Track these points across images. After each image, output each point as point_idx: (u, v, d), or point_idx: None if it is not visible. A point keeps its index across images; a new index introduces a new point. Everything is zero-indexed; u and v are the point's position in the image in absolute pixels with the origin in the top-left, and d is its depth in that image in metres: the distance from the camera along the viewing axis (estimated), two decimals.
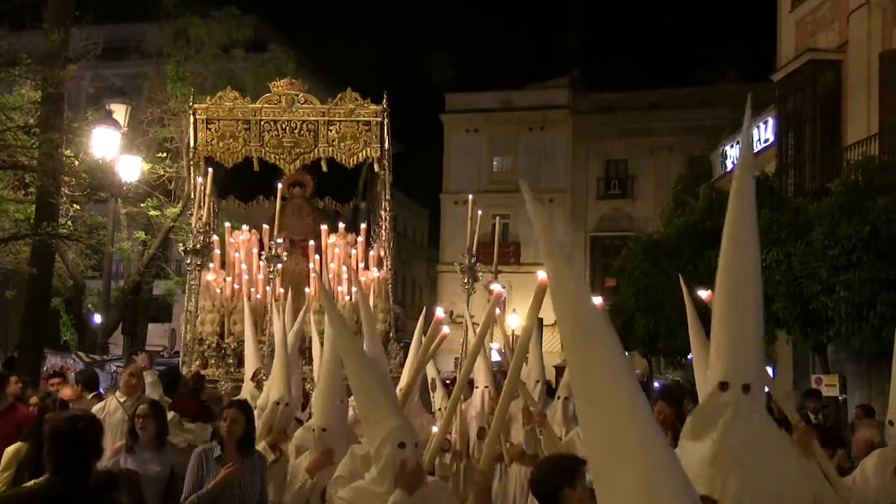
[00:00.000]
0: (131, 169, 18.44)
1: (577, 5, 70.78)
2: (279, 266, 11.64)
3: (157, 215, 22.89)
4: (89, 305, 24.14)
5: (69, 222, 20.12)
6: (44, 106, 18.79)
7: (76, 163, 19.15)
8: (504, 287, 11.92)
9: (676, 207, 26.78)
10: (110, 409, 8.01)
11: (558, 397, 8.08)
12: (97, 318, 23.31)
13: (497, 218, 13.67)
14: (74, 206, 20.33)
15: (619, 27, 66.45)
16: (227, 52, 24.01)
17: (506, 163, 46.14)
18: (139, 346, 26.57)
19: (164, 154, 22.35)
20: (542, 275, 4.12)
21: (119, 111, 18.93)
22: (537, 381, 8.49)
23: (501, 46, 61.51)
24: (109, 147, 17.64)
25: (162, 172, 22.10)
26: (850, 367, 18.44)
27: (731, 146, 29.40)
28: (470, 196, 13.18)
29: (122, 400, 7.99)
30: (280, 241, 11.53)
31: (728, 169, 29.08)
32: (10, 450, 5.78)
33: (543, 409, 7.71)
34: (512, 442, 7.92)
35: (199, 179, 12.66)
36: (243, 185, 14.39)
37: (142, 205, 22.00)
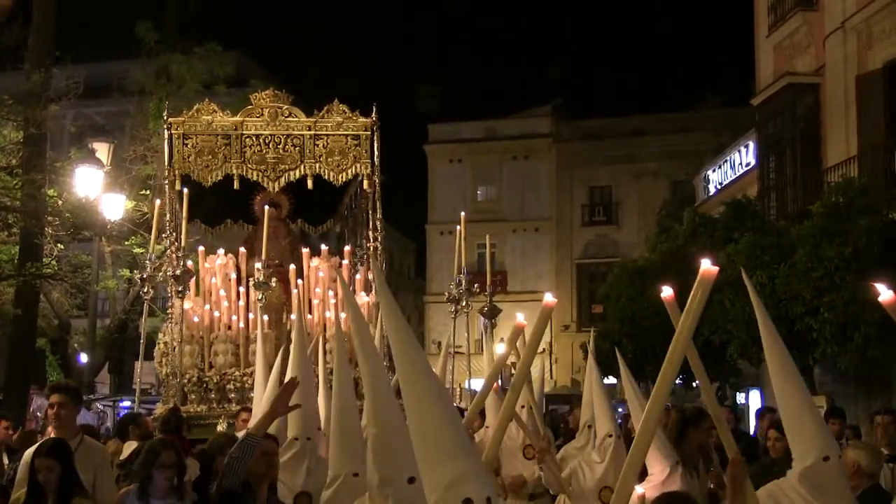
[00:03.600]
0: (115, 207, 18.35)
1: (559, 34, 71.27)
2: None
3: (141, 253, 22.83)
4: (75, 345, 24.03)
5: (53, 262, 20.03)
6: (26, 146, 18.75)
7: (60, 202, 19.08)
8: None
9: (661, 233, 26.87)
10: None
11: (588, 426, 7.67)
12: (83, 358, 23.19)
13: (489, 242, 13.56)
14: (58, 245, 20.24)
15: (601, 55, 66.85)
16: (209, 88, 24.03)
17: (490, 192, 46.28)
18: (126, 384, 26.45)
19: (148, 191, 22.32)
20: (549, 297, 4.45)
21: (102, 149, 18.86)
22: (523, 407, 8.42)
23: (484, 76, 61.84)
24: (92, 186, 17.54)
25: (146, 210, 22.07)
26: (837, 388, 18.48)
27: (714, 170, 29.59)
28: (462, 213, 12.93)
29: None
30: (260, 266, 10.81)
31: (711, 193, 29.25)
32: (13, 498, 5.91)
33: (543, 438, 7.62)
34: (503, 478, 7.82)
35: (158, 202, 12.16)
36: (210, 207, 13.41)
37: (126, 243, 21.94)
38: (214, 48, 23.98)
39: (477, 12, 72.69)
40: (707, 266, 3.68)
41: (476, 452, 3.38)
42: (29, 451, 6.24)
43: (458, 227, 12.23)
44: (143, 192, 22.29)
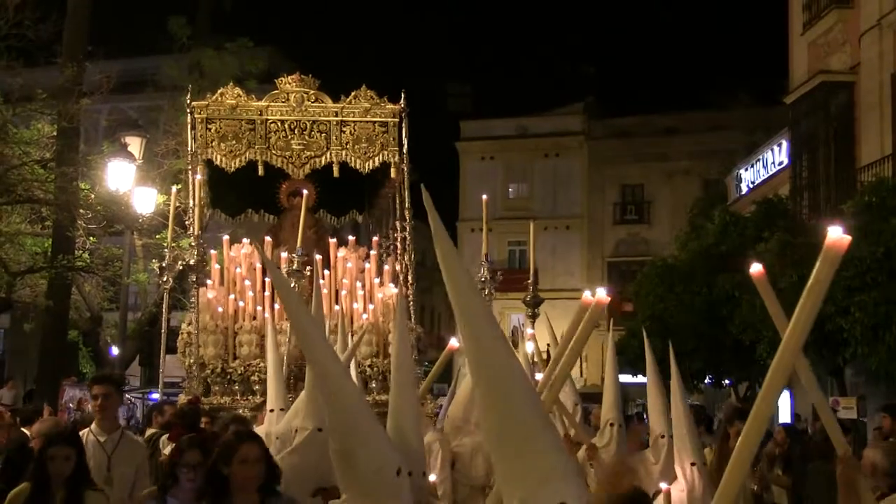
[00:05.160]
0: (146, 201, 18.41)
1: (592, 32, 71.02)
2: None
3: (174, 247, 22.96)
4: (107, 337, 24.22)
5: (85, 255, 20.24)
6: (59, 140, 19.00)
7: (92, 196, 19.28)
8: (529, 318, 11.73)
9: (692, 231, 26.73)
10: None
11: (610, 424, 7.68)
12: (115, 350, 23.38)
13: (530, 234, 13.15)
14: (90, 238, 20.43)
15: (633, 53, 66.61)
16: (240, 84, 24.11)
17: (522, 189, 46.19)
18: (157, 376, 26.64)
19: (179, 185, 22.45)
20: (587, 294, 3.81)
21: (134, 144, 18.98)
22: (575, 405, 8.37)
23: (516, 74, 61.75)
24: (124, 179, 17.65)
25: (177, 204, 22.19)
26: (869, 389, 18.30)
27: (746, 169, 29.36)
28: (484, 197, 12.52)
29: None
30: (292, 255, 10.38)
31: (743, 192, 29.04)
32: (14, 491, 5.58)
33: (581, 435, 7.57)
34: None
35: (174, 189, 11.90)
36: (232, 196, 12.96)
37: (157, 236, 22.09)
38: (246, 44, 24.08)
39: (508, 10, 72.66)
40: (836, 235, 2.95)
41: (566, 448, 2.80)
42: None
43: (483, 206, 11.92)
44: (174, 185, 22.45)
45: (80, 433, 6.37)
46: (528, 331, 9.52)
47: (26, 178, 18.41)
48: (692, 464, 6.20)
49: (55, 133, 19.23)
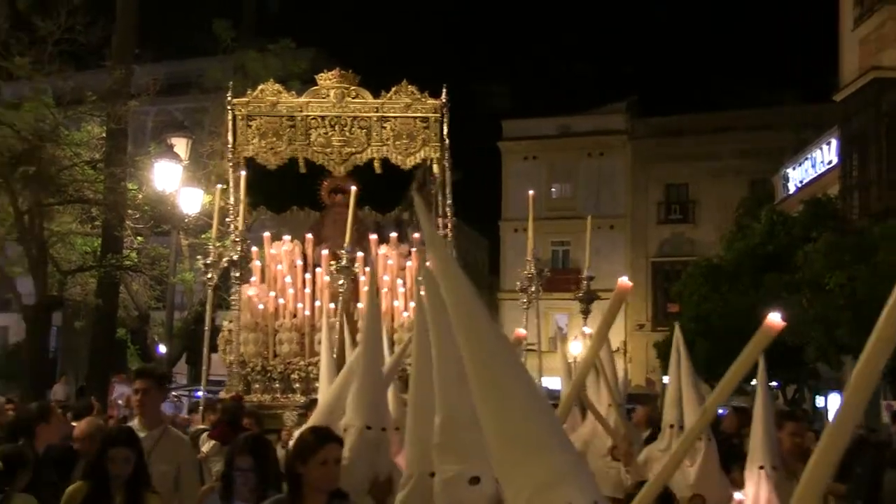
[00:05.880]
0: (192, 201, 18.56)
1: (635, 30, 70.63)
2: (322, 280, 10.71)
3: (219, 247, 23.16)
4: (154, 336, 24.49)
5: (133, 254, 20.52)
6: (108, 142, 19.28)
7: (139, 196, 19.54)
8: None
9: (738, 231, 26.51)
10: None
11: (671, 426, 7.26)
12: (162, 349, 23.63)
13: (564, 238, 13.05)
14: (138, 238, 20.71)
15: (676, 51, 66.14)
16: (283, 85, 24.24)
17: (565, 189, 46.01)
18: (201, 375, 26.89)
19: (225, 186, 22.63)
20: (623, 280, 3.50)
21: (180, 145, 19.18)
22: (610, 405, 8.20)
23: (558, 72, 61.56)
24: (171, 180, 17.83)
25: (222, 203, 22.38)
26: None
27: (794, 168, 29.06)
28: (530, 192, 12.46)
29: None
30: (350, 250, 10.24)
31: (790, 192, 28.74)
32: (70, 489, 5.58)
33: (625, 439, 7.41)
34: None
35: (218, 186, 11.73)
36: (275, 193, 12.89)
37: (203, 236, 22.30)
38: (289, 45, 24.22)
39: (549, 9, 72.46)
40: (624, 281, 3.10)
41: (575, 448, 2.62)
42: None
43: (530, 201, 11.81)
44: (219, 184, 22.66)
45: None
46: (586, 329, 9.28)
47: (77, 178, 18.74)
48: (760, 467, 5.98)
49: (104, 134, 19.53)
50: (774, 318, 2.77)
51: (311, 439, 4.65)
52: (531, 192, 12.29)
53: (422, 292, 10.52)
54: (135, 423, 6.37)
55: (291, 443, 6.25)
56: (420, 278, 4.14)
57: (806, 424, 6.22)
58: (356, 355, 5.95)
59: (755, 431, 6.07)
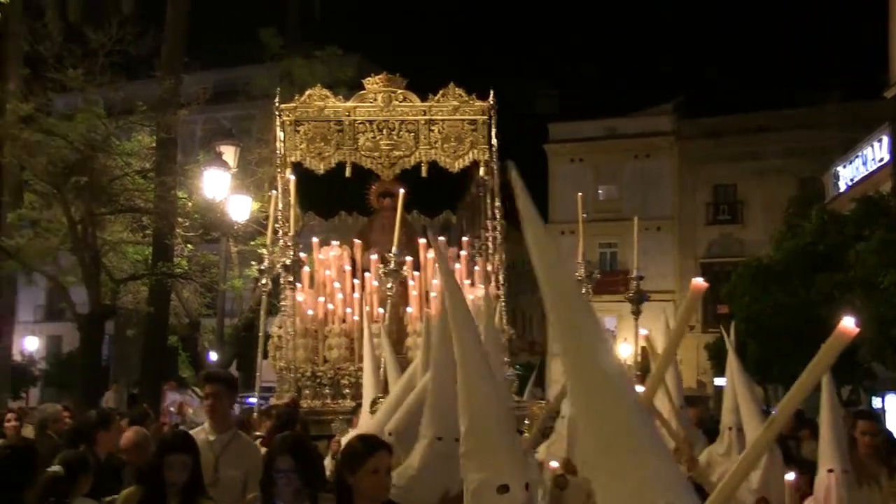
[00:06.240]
0: (241, 208, 18.67)
1: (679, 31, 70.17)
2: (373, 285, 10.62)
3: (262, 253, 23.33)
4: (205, 343, 24.73)
5: (184, 262, 20.75)
6: (158, 150, 19.54)
7: (189, 204, 19.75)
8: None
9: (787, 231, 26.23)
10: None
11: (729, 428, 7.18)
12: (213, 355, 23.86)
13: (611, 240, 12.74)
14: (188, 245, 20.94)
15: (722, 51, 65.59)
16: (330, 91, 24.39)
17: (611, 191, 45.80)
18: (253, 381, 27.15)
19: (274, 192, 22.81)
20: (698, 280, 3.24)
21: (228, 152, 19.32)
22: (670, 409, 8.12)
23: (604, 75, 61.30)
24: (220, 188, 17.93)
25: (276, 210, 22.56)
26: None
27: (844, 166, 28.73)
28: (579, 194, 12.38)
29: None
30: (398, 254, 10.16)
31: (841, 190, 28.41)
32: (124, 493, 5.59)
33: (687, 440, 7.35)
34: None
35: (272, 193, 11.61)
36: (324, 198, 12.82)
37: (252, 243, 22.48)
38: (335, 52, 24.37)
39: (597, 11, 72.22)
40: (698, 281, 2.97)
41: (670, 455, 2.50)
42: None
43: (579, 203, 11.70)
44: (268, 193, 22.85)
45: (192, 433, 6.21)
46: (642, 330, 9.07)
47: (128, 188, 19.00)
48: (829, 470, 5.83)
49: (154, 144, 19.78)
50: (848, 324, 2.66)
51: (360, 448, 4.47)
52: (580, 194, 12.33)
53: (469, 296, 10.41)
54: (205, 426, 6.32)
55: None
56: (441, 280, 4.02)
57: (877, 423, 5.99)
58: (431, 363, 5.47)
59: (823, 434, 5.93)
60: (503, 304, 11.16)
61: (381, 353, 7.96)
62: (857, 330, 2.73)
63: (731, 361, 7.01)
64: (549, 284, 2.57)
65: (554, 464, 5.30)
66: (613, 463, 2.29)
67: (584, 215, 11.76)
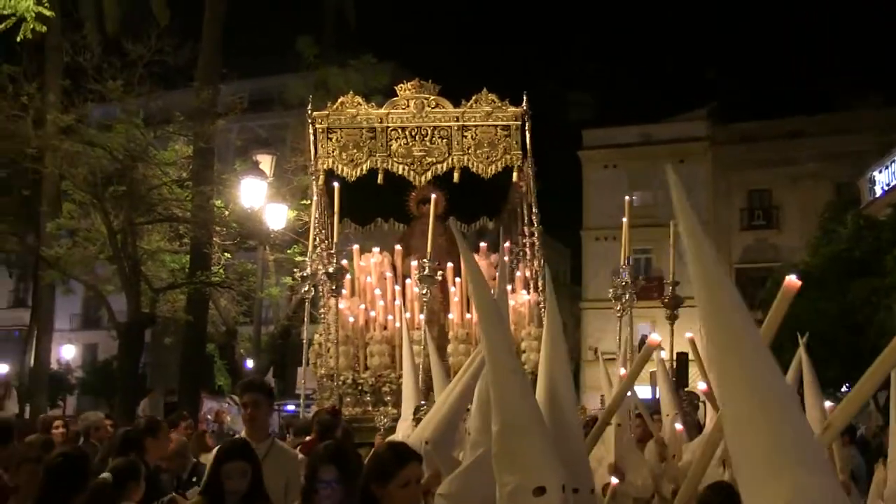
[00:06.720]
0: (278, 217, 18.74)
1: (713, 36, 69.84)
2: (418, 290, 10.52)
3: (302, 261, 23.46)
4: (241, 350, 24.90)
5: (221, 270, 20.91)
6: (195, 160, 19.73)
7: (226, 213, 19.92)
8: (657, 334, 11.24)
9: (823, 236, 26.06)
10: None
11: None
12: (249, 363, 24.04)
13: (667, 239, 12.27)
14: (225, 254, 21.11)
15: (756, 56, 65.29)
16: (365, 99, 24.50)
17: (646, 197, 45.65)
18: (289, 389, 27.30)
19: (309, 201, 22.96)
20: (791, 277, 3.13)
21: (265, 161, 19.46)
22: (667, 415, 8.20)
23: (638, 81, 61.16)
24: (257, 196, 18.01)
25: (307, 219, 22.72)
26: None
27: (880, 171, 28.50)
28: (627, 198, 12.23)
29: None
30: (424, 261, 10.18)
31: (877, 195, 28.18)
32: None
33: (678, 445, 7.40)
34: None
35: (315, 198, 11.58)
36: (361, 205, 12.61)
37: (288, 251, 22.61)
38: (369, 60, 24.50)
39: (628, 18, 72.04)
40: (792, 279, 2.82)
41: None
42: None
43: (626, 206, 11.53)
44: (303, 201, 23.01)
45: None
46: (688, 334, 9.02)
47: (166, 197, 19.18)
48: None
49: (191, 153, 19.97)
50: None
51: (390, 458, 4.17)
52: (627, 198, 12.09)
53: (510, 302, 10.34)
54: (243, 434, 6.32)
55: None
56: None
57: None
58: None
59: (893, 446, 5.67)
60: (544, 309, 10.76)
61: (421, 360, 7.97)
62: (798, 283, 2.80)
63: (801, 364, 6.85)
64: (706, 289, 2.44)
65: (615, 480, 5.20)
66: (766, 473, 2.10)
67: (618, 221, 11.68)
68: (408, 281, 11.56)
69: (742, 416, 2.16)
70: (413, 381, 7.68)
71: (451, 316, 11.23)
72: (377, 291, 11.60)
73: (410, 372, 7.77)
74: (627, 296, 10.85)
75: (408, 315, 10.99)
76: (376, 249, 12.38)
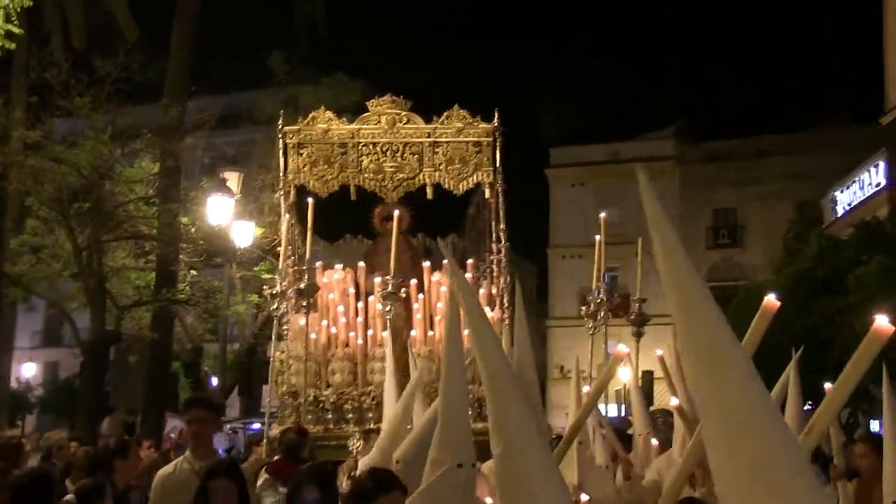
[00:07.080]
0: (245, 234, 18.61)
1: (681, 56, 70.50)
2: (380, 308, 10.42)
3: (270, 278, 23.37)
4: (207, 368, 24.75)
5: (187, 288, 20.76)
6: (162, 177, 19.61)
7: (193, 230, 19.80)
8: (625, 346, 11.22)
9: (787, 255, 26.30)
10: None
11: None
12: (214, 381, 23.88)
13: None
14: (192, 271, 20.97)
15: (723, 76, 65.91)
16: (336, 116, 24.46)
17: (612, 215, 45.80)
18: (255, 407, 27.19)
19: (276, 218, 22.88)
20: (771, 297, 3.09)
21: (232, 179, 19.38)
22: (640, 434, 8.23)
23: (606, 99, 61.52)
24: (224, 214, 17.93)
25: (274, 236, 22.63)
26: None
27: (842, 191, 28.86)
28: (603, 215, 12.39)
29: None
30: (386, 278, 10.08)
31: (839, 215, 28.52)
32: None
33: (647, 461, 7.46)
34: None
35: (287, 216, 11.45)
36: (328, 222, 12.36)
37: (255, 269, 22.49)
38: (340, 78, 24.50)
39: (596, 36, 72.56)
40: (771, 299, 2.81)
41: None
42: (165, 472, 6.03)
43: (602, 224, 11.69)
44: (270, 219, 22.92)
45: (174, 462, 6.19)
46: (658, 351, 8.99)
47: (132, 214, 19.04)
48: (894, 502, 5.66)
49: (158, 170, 19.85)
50: (883, 322, 2.36)
51: (367, 485, 3.94)
52: (602, 215, 12.21)
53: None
54: (187, 454, 6.12)
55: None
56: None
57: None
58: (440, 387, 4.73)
59: (887, 464, 5.57)
60: (507, 327, 10.89)
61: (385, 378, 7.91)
62: (892, 329, 2.50)
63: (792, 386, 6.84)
64: (679, 293, 2.37)
65: (585, 497, 5.14)
66: (752, 488, 2.01)
67: (585, 240, 11.74)
68: (371, 298, 11.40)
69: (726, 431, 2.09)
70: (392, 398, 7.38)
71: (413, 332, 11.09)
72: (340, 308, 11.47)
73: (392, 388, 7.50)
74: (602, 313, 10.86)
75: (370, 332, 10.94)
76: (339, 266, 12.26)
